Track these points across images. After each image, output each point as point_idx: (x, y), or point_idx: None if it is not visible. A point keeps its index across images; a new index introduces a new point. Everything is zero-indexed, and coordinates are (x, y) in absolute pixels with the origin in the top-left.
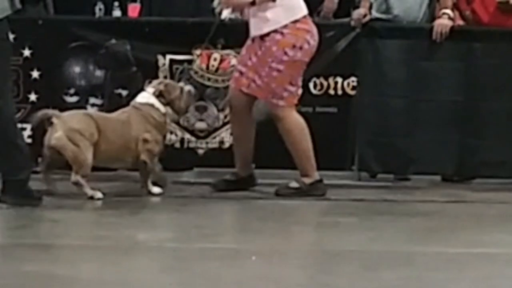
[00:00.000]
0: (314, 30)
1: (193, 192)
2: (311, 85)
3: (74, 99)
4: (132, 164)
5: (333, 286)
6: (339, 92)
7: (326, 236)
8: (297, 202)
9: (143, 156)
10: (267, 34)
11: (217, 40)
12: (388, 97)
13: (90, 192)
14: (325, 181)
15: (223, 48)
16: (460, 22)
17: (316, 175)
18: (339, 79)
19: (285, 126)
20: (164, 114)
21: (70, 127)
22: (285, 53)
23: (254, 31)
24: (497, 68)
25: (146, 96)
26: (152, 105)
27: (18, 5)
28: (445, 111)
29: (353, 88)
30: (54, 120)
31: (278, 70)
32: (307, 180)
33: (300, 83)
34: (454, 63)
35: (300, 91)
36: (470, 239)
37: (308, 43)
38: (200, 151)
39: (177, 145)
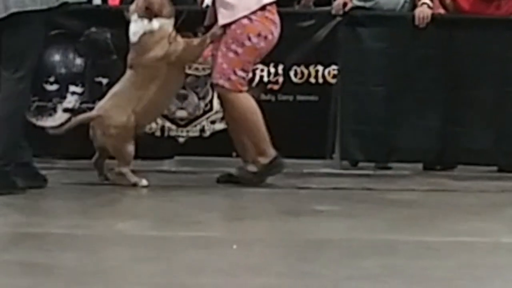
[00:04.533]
0: (279, 21)
1: (173, 180)
2: (291, 73)
3: (54, 87)
4: None
5: (314, 275)
6: (320, 80)
7: (307, 225)
8: (278, 190)
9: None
10: (235, 21)
11: (197, 28)
12: (369, 85)
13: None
14: (306, 170)
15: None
16: (441, 10)
17: (272, 152)
18: (320, 68)
19: (235, 109)
20: (161, 29)
21: None
22: (249, 39)
23: (222, 19)
24: (478, 56)
25: (133, 30)
26: (144, 34)
27: None
28: (426, 99)
29: (334, 76)
30: None
31: (236, 53)
32: (264, 160)
33: (250, 70)
34: (435, 51)
35: (249, 76)
36: (451, 228)
37: (272, 34)
38: (181, 140)
39: (158, 133)
